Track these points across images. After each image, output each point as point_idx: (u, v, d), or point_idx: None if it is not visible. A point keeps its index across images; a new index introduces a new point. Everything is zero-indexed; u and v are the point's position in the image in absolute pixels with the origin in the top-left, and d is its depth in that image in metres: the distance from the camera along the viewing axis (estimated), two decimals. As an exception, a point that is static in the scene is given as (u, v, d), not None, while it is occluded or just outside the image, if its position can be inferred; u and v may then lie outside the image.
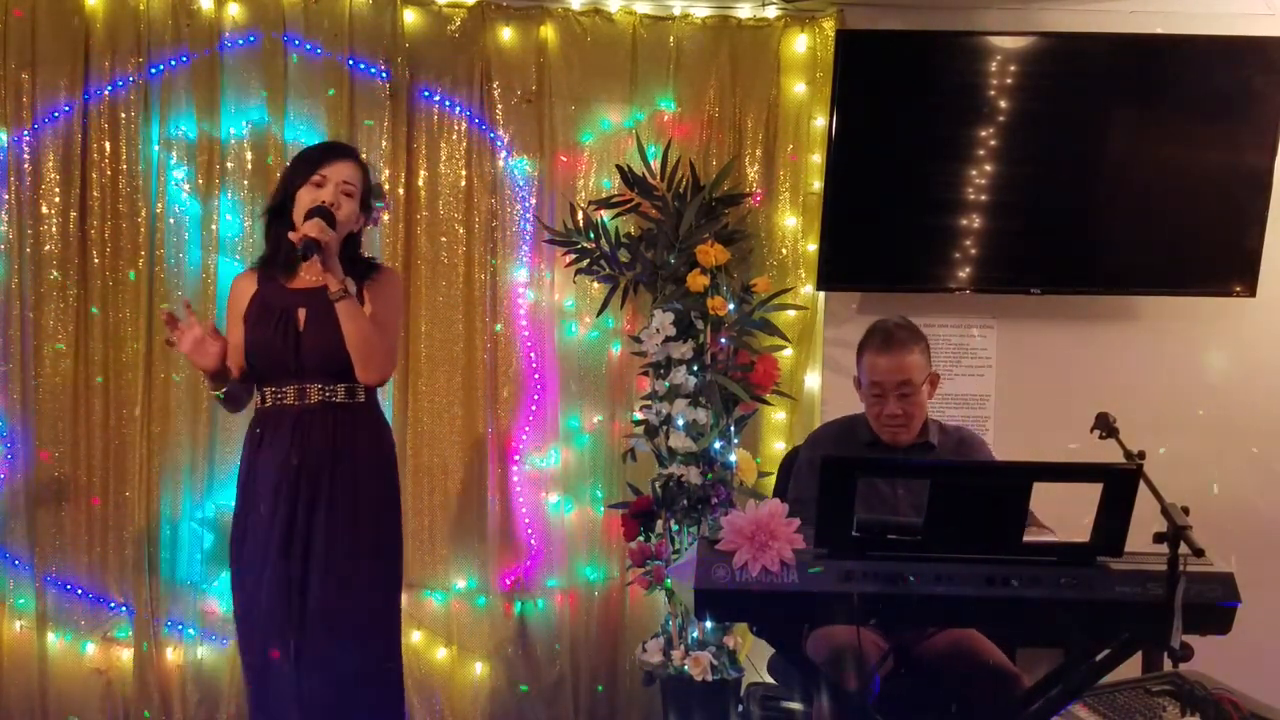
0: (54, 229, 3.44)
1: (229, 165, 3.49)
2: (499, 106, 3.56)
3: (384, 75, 3.50)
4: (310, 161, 2.65)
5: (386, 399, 3.52)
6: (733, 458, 3.36)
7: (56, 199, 3.44)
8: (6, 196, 3.43)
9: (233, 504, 2.70)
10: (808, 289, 3.62)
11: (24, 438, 3.45)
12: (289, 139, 3.47)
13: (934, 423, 2.81)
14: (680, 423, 3.30)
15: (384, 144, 3.51)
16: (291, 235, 2.54)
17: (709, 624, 3.28)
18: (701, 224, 3.41)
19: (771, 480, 3.38)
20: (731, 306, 3.35)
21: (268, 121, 3.48)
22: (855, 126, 3.41)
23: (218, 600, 3.50)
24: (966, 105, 3.42)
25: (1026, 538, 2.04)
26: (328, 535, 2.56)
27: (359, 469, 2.62)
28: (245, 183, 3.49)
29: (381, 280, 2.71)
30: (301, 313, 2.60)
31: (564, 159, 3.60)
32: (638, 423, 3.44)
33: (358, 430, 2.64)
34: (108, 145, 3.45)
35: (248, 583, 2.60)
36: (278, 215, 2.65)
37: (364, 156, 3.44)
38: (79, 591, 3.48)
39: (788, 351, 3.58)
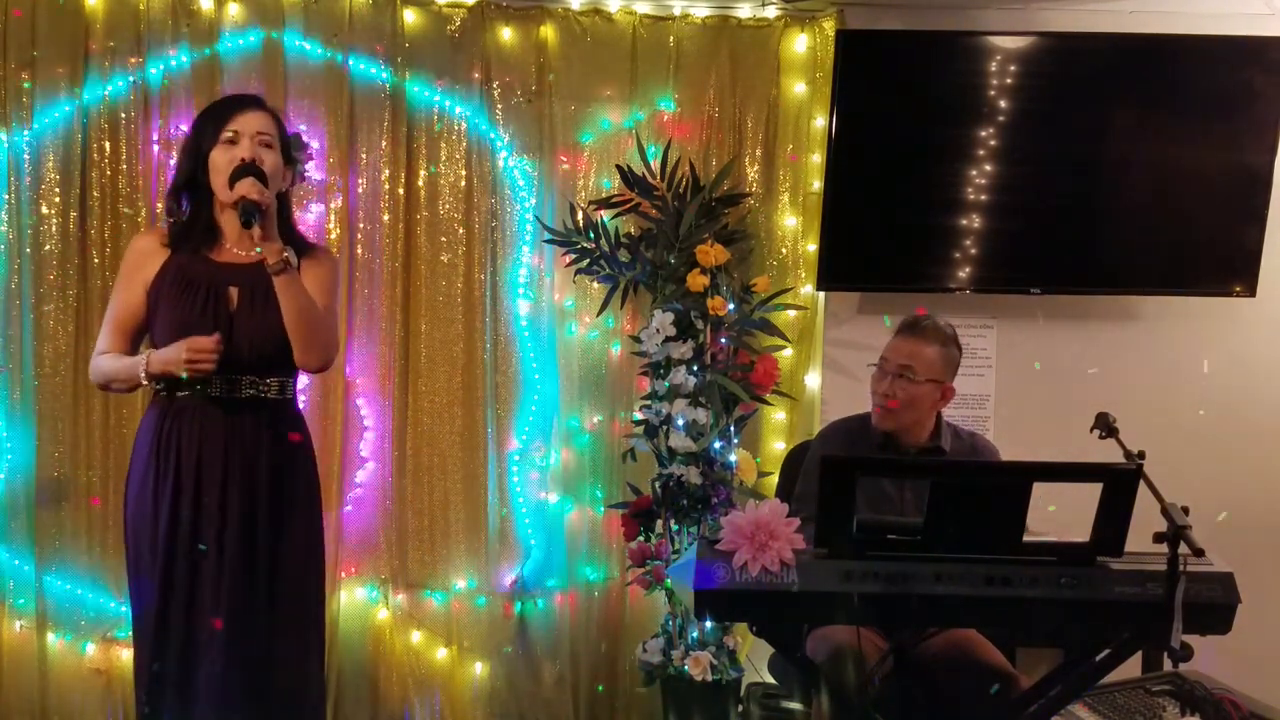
0: (54, 229, 3.43)
1: (229, 165, 3.49)
2: (499, 106, 3.56)
3: (384, 75, 3.50)
4: (217, 118, 2.37)
5: (387, 399, 3.53)
6: (733, 458, 3.36)
7: (56, 199, 3.44)
8: (7, 196, 3.42)
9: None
10: (808, 289, 3.62)
11: (24, 438, 3.45)
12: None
13: (949, 427, 2.81)
14: (680, 423, 3.30)
15: (384, 144, 3.51)
16: (223, 197, 2.29)
17: (709, 624, 3.28)
18: (701, 224, 3.41)
19: (771, 480, 3.38)
20: (731, 306, 3.35)
21: (268, 121, 3.47)
22: (855, 126, 3.41)
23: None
24: (966, 105, 3.42)
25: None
26: (266, 541, 2.39)
27: (296, 472, 2.46)
28: (245, 183, 3.49)
29: (319, 259, 2.49)
30: (233, 291, 2.36)
31: (564, 159, 3.60)
32: (638, 423, 3.44)
33: (288, 428, 2.45)
34: (108, 145, 3.44)
35: (172, 594, 2.35)
36: (189, 187, 2.39)
37: (363, 157, 3.51)
38: (79, 591, 3.48)
39: (788, 351, 3.58)
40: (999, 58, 3.40)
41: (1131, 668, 2.33)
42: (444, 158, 3.55)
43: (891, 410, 2.69)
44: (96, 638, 3.50)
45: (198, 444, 2.35)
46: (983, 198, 3.45)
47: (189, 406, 2.37)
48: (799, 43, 3.59)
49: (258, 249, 2.31)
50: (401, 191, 3.52)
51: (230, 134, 2.35)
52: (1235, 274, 3.48)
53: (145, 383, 2.36)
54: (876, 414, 2.73)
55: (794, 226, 3.62)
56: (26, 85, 3.40)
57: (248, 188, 2.27)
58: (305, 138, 2.55)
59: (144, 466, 2.39)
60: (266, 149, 2.37)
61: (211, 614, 2.35)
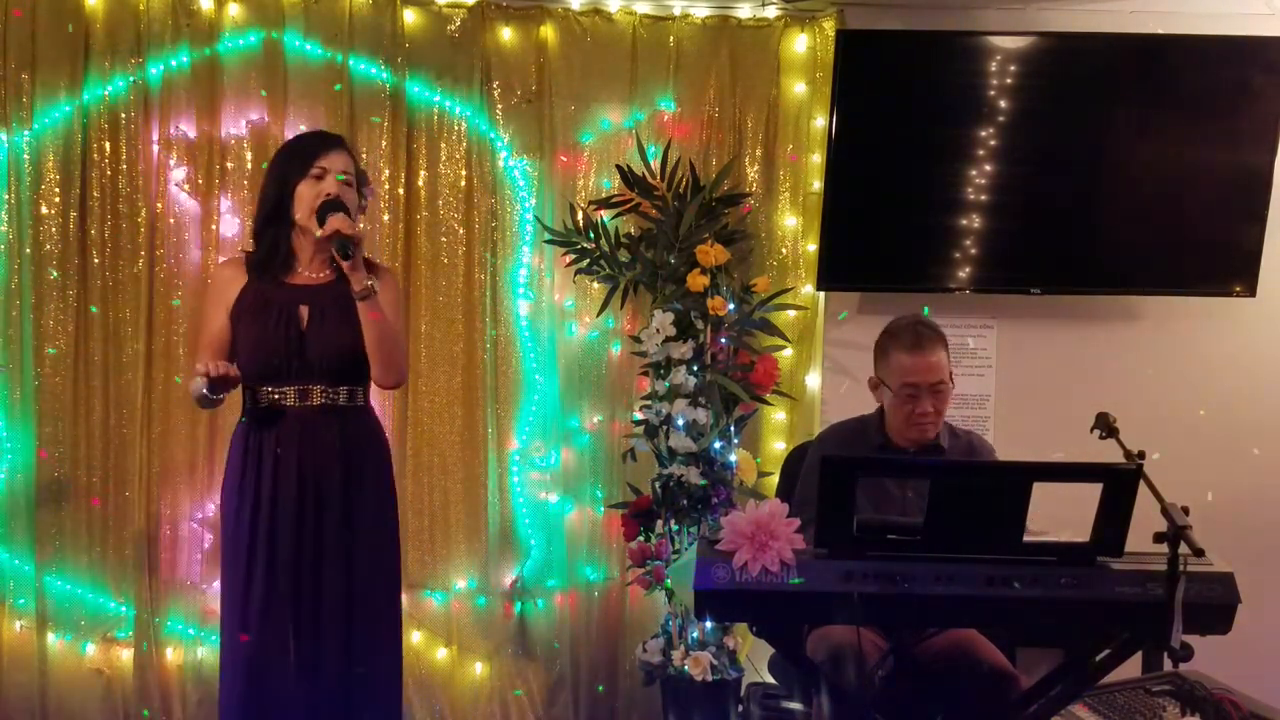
0: (54, 229, 3.43)
1: (229, 165, 3.49)
2: (499, 106, 3.56)
3: (384, 75, 3.50)
4: (305, 154, 2.58)
5: (387, 399, 3.53)
6: (733, 458, 3.36)
7: (56, 199, 3.44)
8: (6, 196, 3.42)
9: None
10: (808, 289, 3.62)
11: (24, 438, 3.45)
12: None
13: (945, 425, 2.81)
14: (680, 423, 3.30)
15: (384, 144, 3.51)
16: (320, 233, 2.48)
17: (709, 624, 3.28)
18: (701, 224, 3.41)
19: (771, 480, 3.38)
20: (731, 306, 3.35)
21: (267, 121, 3.47)
22: (855, 126, 3.41)
23: (217, 600, 3.49)
24: (966, 105, 3.42)
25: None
26: (339, 537, 2.54)
27: (366, 472, 2.61)
28: (245, 183, 3.48)
29: (385, 280, 2.66)
30: (303, 310, 2.55)
31: (564, 159, 3.60)
32: (638, 423, 3.44)
33: (362, 433, 2.63)
34: (108, 145, 3.44)
35: (254, 586, 2.54)
36: (275, 215, 2.59)
37: (364, 156, 3.51)
38: (79, 591, 3.48)
39: (788, 351, 3.58)
40: (999, 58, 3.40)
41: (1131, 668, 2.32)
42: (444, 158, 3.55)
43: (934, 424, 2.68)
44: (96, 638, 3.50)
45: (275, 447, 2.54)
46: (983, 198, 3.45)
47: (271, 415, 2.56)
48: (799, 43, 3.59)
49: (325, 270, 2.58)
50: (401, 192, 3.52)
51: (318, 170, 2.56)
52: (1235, 274, 3.49)
53: (204, 393, 2.50)
54: (916, 432, 2.68)
55: (794, 226, 3.62)
56: (26, 85, 3.40)
57: (340, 222, 2.47)
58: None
59: (237, 473, 2.59)
60: (347, 187, 2.57)
61: (294, 608, 2.53)
